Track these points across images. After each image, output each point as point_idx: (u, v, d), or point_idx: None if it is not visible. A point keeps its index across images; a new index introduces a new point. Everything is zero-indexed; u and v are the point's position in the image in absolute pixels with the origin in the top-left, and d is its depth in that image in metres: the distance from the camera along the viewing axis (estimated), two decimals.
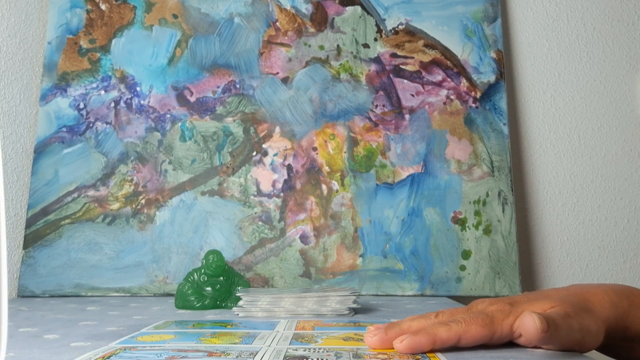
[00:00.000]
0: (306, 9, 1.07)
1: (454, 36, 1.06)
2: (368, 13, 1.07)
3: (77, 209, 0.99)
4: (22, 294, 0.95)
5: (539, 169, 1.07)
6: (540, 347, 0.47)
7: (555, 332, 0.43)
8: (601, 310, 0.48)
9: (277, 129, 1.03)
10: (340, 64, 1.05)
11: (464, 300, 0.95)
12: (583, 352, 0.47)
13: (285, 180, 1.01)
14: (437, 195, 1.00)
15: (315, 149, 1.02)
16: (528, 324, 0.43)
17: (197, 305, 0.77)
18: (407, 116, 1.03)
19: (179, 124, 1.03)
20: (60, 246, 0.97)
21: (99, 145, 1.01)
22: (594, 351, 0.46)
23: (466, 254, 0.98)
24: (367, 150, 1.02)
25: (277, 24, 1.06)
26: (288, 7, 1.07)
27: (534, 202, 1.07)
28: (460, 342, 0.46)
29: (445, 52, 1.06)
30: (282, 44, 1.06)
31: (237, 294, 0.74)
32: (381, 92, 1.04)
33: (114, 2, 1.06)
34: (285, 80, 1.04)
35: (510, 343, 0.49)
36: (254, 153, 1.02)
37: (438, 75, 1.05)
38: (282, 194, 1.00)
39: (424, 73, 1.05)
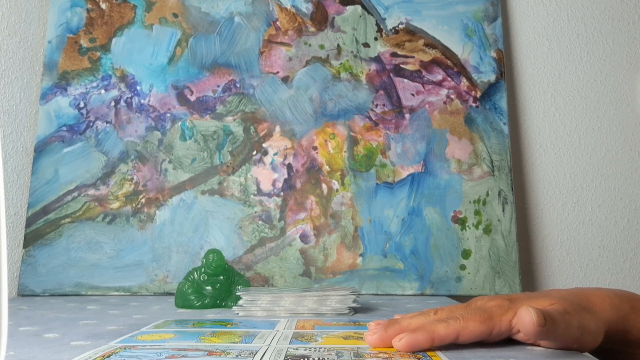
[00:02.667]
0: (306, 8, 1.07)
1: (454, 35, 1.06)
2: (368, 12, 1.07)
3: (77, 208, 0.99)
4: (22, 293, 0.95)
5: (539, 168, 1.07)
6: (539, 345, 0.47)
7: (553, 328, 0.43)
8: (601, 311, 0.48)
9: (277, 128, 1.03)
10: (341, 64, 1.05)
11: (464, 299, 0.94)
12: (582, 351, 0.47)
13: (285, 180, 1.01)
14: (437, 195, 1.00)
15: (315, 148, 1.02)
16: (525, 318, 0.43)
17: (197, 304, 0.77)
18: (407, 115, 1.03)
19: (179, 123, 1.03)
20: (61, 245, 0.97)
21: (99, 144, 1.01)
22: (593, 357, 0.46)
23: (466, 254, 0.98)
24: (367, 149, 1.02)
25: (278, 23, 1.06)
26: (288, 7, 1.07)
27: (534, 202, 1.07)
28: (459, 338, 0.46)
29: (446, 51, 1.06)
30: (282, 43, 1.06)
31: (237, 293, 0.74)
32: (381, 92, 1.04)
33: (114, 1, 1.06)
34: (285, 80, 1.04)
35: (510, 341, 0.49)
36: (254, 152, 1.02)
37: (438, 75, 1.05)
38: (282, 193, 1.00)
39: (424, 72, 1.05)
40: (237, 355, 0.43)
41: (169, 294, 0.94)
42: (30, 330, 0.59)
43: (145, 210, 0.99)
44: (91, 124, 1.02)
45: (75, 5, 1.06)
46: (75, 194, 0.99)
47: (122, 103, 1.03)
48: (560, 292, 0.51)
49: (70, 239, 0.97)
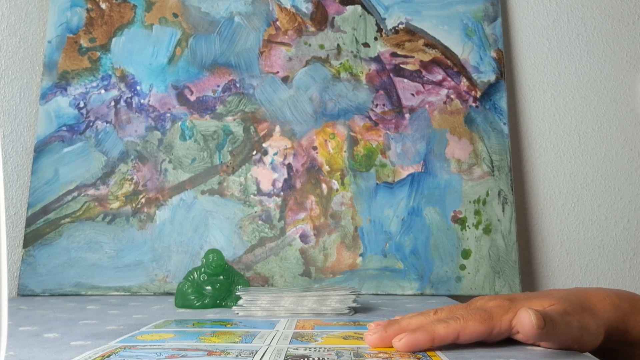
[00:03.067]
0: (306, 8, 1.07)
1: (454, 35, 1.06)
2: (368, 12, 1.07)
3: (77, 208, 0.99)
4: (22, 293, 0.95)
5: (539, 168, 1.07)
6: (539, 345, 0.47)
7: (552, 329, 0.43)
8: (602, 311, 0.48)
9: (277, 128, 1.03)
10: (341, 63, 1.05)
11: (464, 299, 0.94)
12: (582, 351, 0.47)
13: (285, 180, 1.01)
14: (437, 195, 1.00)
15: (315, 148, 1.02)
16: (524, 320, 0.43)
17: (197, 304, 0.77)
18: (407, 115, 1.03)
19: (179, 123, 1.03)
20: (60, 245, 0.97)
21: (99, 144, 1.01)
22: (593, 356, 0.46)
23: (466, 254, 0.98)
24: (367, 149, 1.02)
25: (278, 23, 1.06)
26: (288, 6, 1.07)
27: (534, 202, 1.07)
28: (459, 338, 0.46)
29: (446, 51, 1.06)
30: (282, 43, 1.06)
31: (237, 293, 0.74)
32: (381, 92, 1.04)
33: (114, 1, 1.06)
34: (285, 80, 1.04)
35: (510, 341, 0.49)
36: (254, 152, 1.02)
37: (438, 75, 1.05)
38: (282, 193, 1.00)
39: (424, 72, 1.05)
40: (237, 355, 0.43)
41: (169, 293, 0.94)
42: (30, 330, 0.59)
43: (145, 210, 0.99)
44: (91, 123, 1.02)
45: (75, 5, 1.06)
46: (75, 193, 0.99)
47: (122, 103, 1.03)
48: (561, 292, 0.51)
49: (70, 239, 0.97)
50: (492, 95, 1.04)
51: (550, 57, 1.10)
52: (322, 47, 1.06)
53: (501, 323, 0.46)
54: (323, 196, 1.00)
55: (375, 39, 1.06)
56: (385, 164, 1.01)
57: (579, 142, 1.08)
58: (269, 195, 1.00)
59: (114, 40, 1.05)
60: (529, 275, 1.05)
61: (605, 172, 1.07)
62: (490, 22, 1.07)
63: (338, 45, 1.06)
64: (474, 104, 1.04)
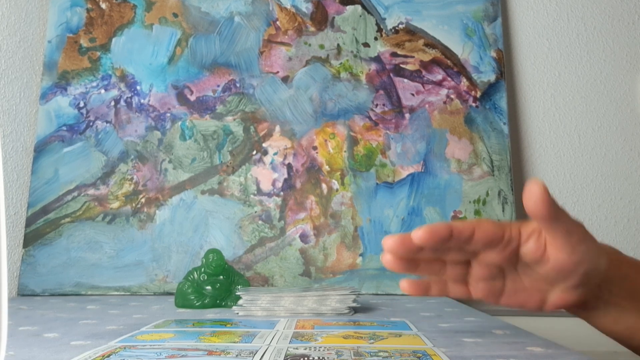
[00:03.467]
0: (306, 8, 1.07)
1: (454, 35, 1.06)
2: (368, 12, 1.07)
3: (77, 208, 0.99)
4: (22, 293, 0.95)
5: (539, 168, 1.07)
6: (547, 260, 0.45)
7: (559, 210, 0.44)
8: (604, 248, 0.49)
9: (277, 128, 1.03)
10: (341, 63, 1.05)
11: (464, 300, 0.94)
12: (583, 268, 0.45)
13: (285, 180, 1.01)
14: (437, 195, 1.00)
15: (315, 148, 1.02)
16: (533, 186, 0.43)
17: (197, 304, 0.77)
18: (407, 115, 1.03)
19: (179, 123, 1.03)
20: (60, 245, 0.97)
21: (99, 144, 1.01)
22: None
23: None
24: (367, 149, 1.02)
25: (278, 23, 1.06)
26: (288, 6, 1.07)
27: None
28: (475, 234, 0.46)
29: (446, 51, 1.06)
30: (282, 43, 1.06)
31: (237, 293, 0.74)
32: (381, 91, 1.04)
33: (114, 1, 1.06)
34: (285, 80, 1.04)
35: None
36: (254, 152, 1.02)
37: (438, 75, 1.05)
38: (282, 193, 1.00)
39: (424, 72, 1.05)
40: (237, 355, 0.43)
41: (169, 293, 0.94)
42: (30, 330, 0.59)
43: (145, 210, 0.99)
44: (91, 123, 1.02)
45: (75, 5, 1.06)
46: (75, 193, 0.99)
47: (122, 103, 1.03)
48: None
49: (70, 238, 0.97)
50: (492, 95, 1.04)
51: (550, 57, 1.10)
52: (322, 47, 1.06)
53: (511, 228, 0.47)
54: (323, 196, 1.00)
55: (375, 38, 1.06)
56: (385, 163, 1.01)
57: (579, 142, 1.08)
58: (269, 195, 1.00)
59: (114, 40, 1.05)
60: None
61: (605, 172, 1.07)
62: (490, 22, 1.07)
63: (338, 45, 1.06)
64: (474, 104, 1.04)
